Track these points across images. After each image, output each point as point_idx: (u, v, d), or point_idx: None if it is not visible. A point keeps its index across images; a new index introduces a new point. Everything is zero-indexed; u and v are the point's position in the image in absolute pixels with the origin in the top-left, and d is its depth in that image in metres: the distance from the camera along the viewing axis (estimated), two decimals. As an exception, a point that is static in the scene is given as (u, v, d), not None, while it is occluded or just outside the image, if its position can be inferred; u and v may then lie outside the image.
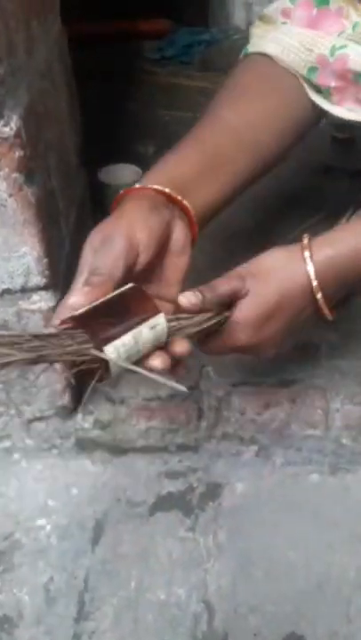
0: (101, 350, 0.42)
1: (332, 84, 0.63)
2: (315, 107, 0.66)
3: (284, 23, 0.65)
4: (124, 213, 0.51)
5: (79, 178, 0.85)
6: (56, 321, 0.45)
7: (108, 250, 0.48)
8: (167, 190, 0.54)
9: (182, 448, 0.76)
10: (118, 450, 0.76)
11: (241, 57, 0.68)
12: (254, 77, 0.65)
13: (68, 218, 0.75)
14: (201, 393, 0.76)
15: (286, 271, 0.53)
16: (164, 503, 0.72)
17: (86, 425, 0.75)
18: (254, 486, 0.74)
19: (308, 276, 0.52)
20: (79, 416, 0.75)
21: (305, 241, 0.54)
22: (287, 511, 0.71)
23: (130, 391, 0.76)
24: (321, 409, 0.75)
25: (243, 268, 0.54)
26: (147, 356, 0.47)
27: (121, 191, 0.56)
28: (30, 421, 0.73)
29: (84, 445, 0.76)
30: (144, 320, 0.44)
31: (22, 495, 0.73)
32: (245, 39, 0.70)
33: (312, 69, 0.63)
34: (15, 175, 0.56)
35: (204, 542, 0.69)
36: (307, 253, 0.53)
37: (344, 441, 0.76)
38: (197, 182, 0.57)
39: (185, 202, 0.55)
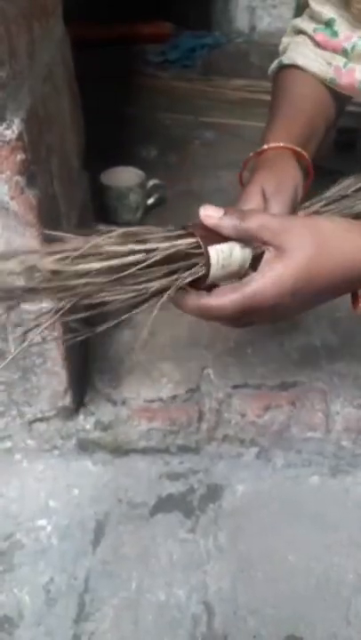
0: (207, 250, 0.49)
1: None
2: (336, 104, 0.78)
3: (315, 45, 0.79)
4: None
5: (81, 180, 0.85)
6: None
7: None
8: (298, 149, 0.64)
9: (183, 449, 0.77)
10: (119, 451, 0.76)
11: (275, 66, 0.82)
12: (299, 78, 0.78)
13: (69, 220, 0.75)
14: (202, 395, 0.76)
15: (346, 243, 0.51)
16: (164, 504, 0.72)
17: (87, 426, 0.75)
18: (255, 488, 0.74)
19: None
20: (80, 417, 0.75)
21: None
22: (287, 513, 0.72)
23: (131, 393, 0.76)
24: (321, 411, 0.75)
25: (296, 219, 0.53)
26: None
27: (251, 154, 0.66)
28: (32, 422, 0.74)
29: (86, 446, 0.76)
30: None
31: (23, 495, 0.73)
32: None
33: (332, 79, 0.77)
34: (17, 178, 0.56)
35: (204, 544, 0.69)
36: None
37: (344, 443, 0.76)
38: (304, 145, 0.67)
39: (306, 155, 0.65)
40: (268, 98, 0.87)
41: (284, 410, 0.76)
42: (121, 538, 0.70)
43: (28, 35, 0.61)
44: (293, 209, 0.60)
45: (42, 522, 0.71)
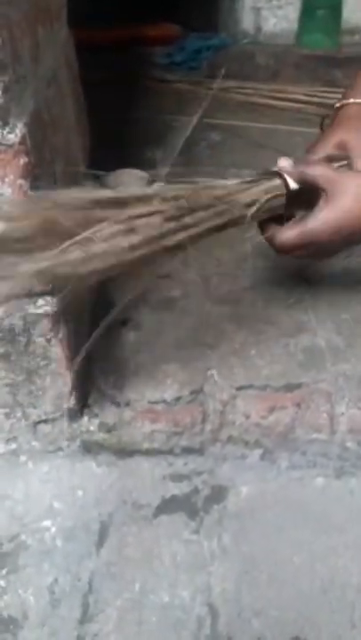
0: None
1: None
2: None
3: None
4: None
5: (86, 183, 0.86)
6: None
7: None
8: None
9: (187, 451, 0.77)
10: (124, 452, 0.76)
11: None
12: None
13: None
14: (206, 396, 0.76)
15: None
16: (168, 506, 0.72)
17: (92, 427, 0.76)
18: (259, 489, 0.74)
19: None
20: (85, 418, 0.75)
21: None
22: (292, 515, 0.71)
23: (135, 394, 0.76)
24: (326, 413, 0.75)
25: (349, 175, 0.66)
26: None
27: (337, 104, 0.74)
28: (36, 423, 0.74)
29: (90, 448, 0.76)
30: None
31: (28, 497, 0.73)
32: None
33: None
34: (20, 181, 0.57)
35: (208, 545, 0.69)
36: None
37: (349, 445, 0.76)
38: None
39: None
40: (274, 101, 0.88)
41: (288, 411, 0.76)
42: (125, 539, 0.70)
43: (32, 38, 0.62)
44: None
45: (46, 523, 0.71)
